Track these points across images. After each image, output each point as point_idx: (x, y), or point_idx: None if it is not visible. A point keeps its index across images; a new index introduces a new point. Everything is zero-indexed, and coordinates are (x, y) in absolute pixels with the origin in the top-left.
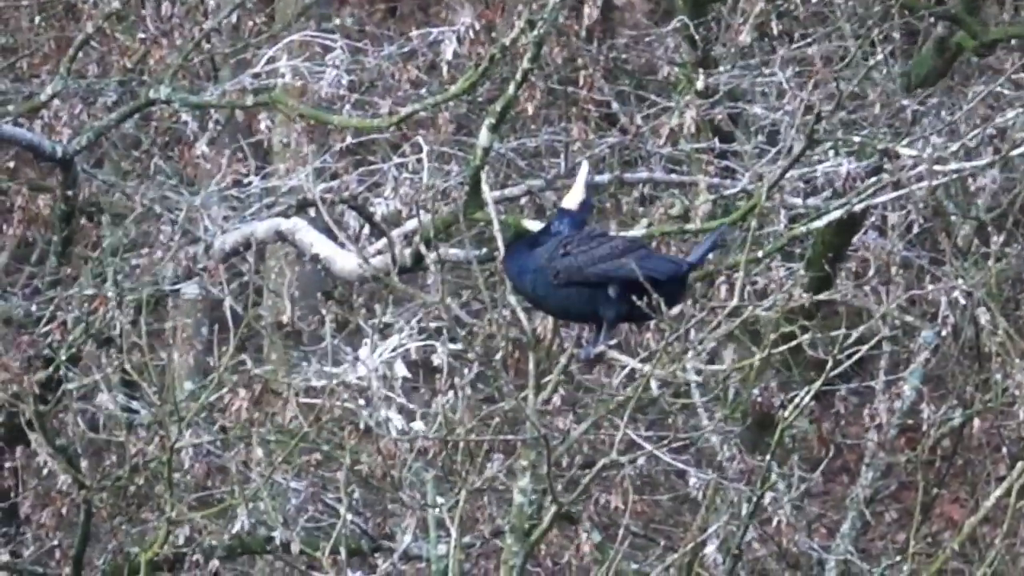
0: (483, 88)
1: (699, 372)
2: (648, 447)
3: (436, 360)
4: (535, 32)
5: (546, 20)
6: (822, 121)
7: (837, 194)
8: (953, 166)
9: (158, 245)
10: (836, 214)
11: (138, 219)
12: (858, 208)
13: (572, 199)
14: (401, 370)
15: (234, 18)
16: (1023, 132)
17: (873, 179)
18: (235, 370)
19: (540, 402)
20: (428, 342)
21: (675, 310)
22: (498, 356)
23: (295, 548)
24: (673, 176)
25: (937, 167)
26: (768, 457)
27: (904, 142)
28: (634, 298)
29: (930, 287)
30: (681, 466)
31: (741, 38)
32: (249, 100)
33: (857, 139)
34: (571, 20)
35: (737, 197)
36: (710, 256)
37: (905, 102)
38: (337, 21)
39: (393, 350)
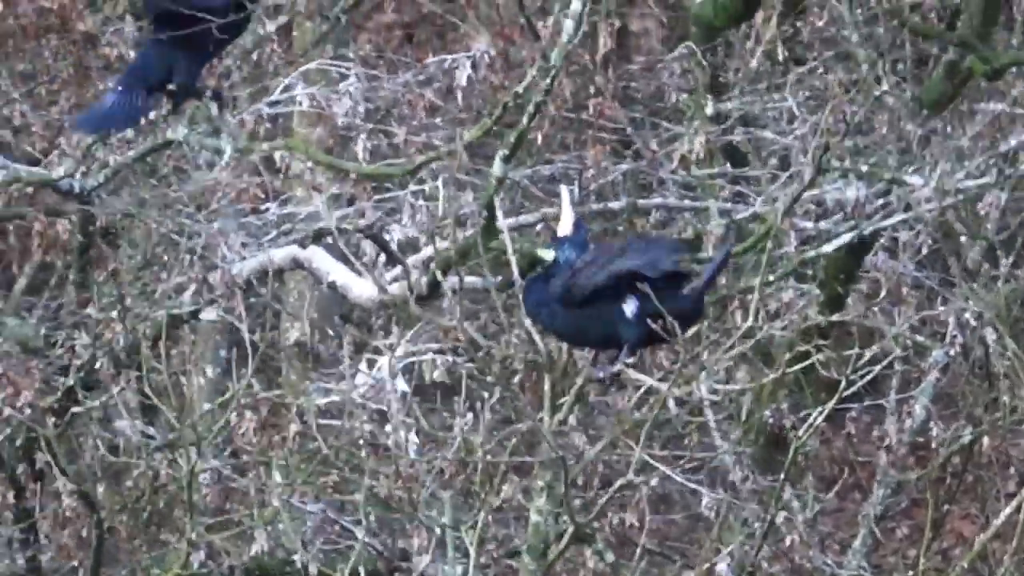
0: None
1: (714, 391)
2: (663, 468)
3: (435, 376)
4: (547, 80)
5: (556, 66)
6: (829, 151)
7: (847, 217)
8: (960, 184)
9: (176, 271)
10: (846, 238)
11: (155, 245)
12: (867, 232)
13: (565, 225)
14: (402, 385)
15: (249, 43)
16: None
17: (881, 201)
18: (248, 394)
19: (556, 423)
20: (436, 356)
21: (690, 332)
22: (516, 378)
23: (313, 570)
24: (686, 202)
25: (946, 188)
26: (782, 477)
27: (911, 169)
28: (649, 321)
29: (940, 308)
30: (695, 487)
31: (752, 64)
32: (265, 146)
33: (864, 168)
34: (585, 49)
35: (749, 221)
36: (719, 277)
37: (910, 127)
38: (355, 50)
39: (397, 362)
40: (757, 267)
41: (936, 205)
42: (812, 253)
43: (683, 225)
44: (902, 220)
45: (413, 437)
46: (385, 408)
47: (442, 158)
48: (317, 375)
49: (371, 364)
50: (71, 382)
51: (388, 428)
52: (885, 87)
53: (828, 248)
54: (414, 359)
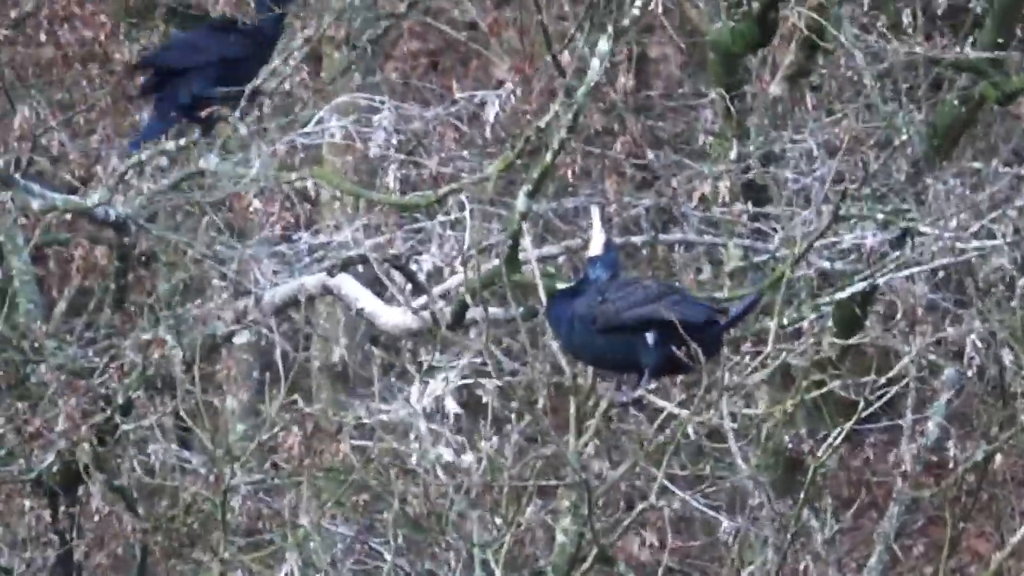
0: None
1: (734, 417)
2: (682, 494)
3: (482, 398)
4: (570, 115)
5: (580, 105)
6: (847, 198)
7: (862, 258)
8: (975, 244)
9: (209, 296)
10: (860, 286)
11: (191, 267)
12: (881, 281)
13: (595, 245)
14: (452, 406)
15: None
16: None
17: (896, 253)
18: (287, 409)
19: (580, 446)
20: (473, 379)
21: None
22: (540, 403)
23: None
24: (706, 238)
25: (960, 244)
26: (801, 496)
27: (926, 221)
28: (672, 348)
29: (951, 329)
30: (713, 514)
31: (771, 89)
32: (293, 175)
33: (881, 216)
34: (607, 87)
35: (768, 263)
36: (746, 317)
37: (928, 180)
38: (383, 80)
39: (443, 386)
40: (772, 310)
41: (950, 260)
42: (826, 299)
43: (700, 256)
44: (915, 271)
45: (447, 451)
46: (420, 429)
47: (464, 189)
48: (347, 398)
49: (425, 384)
50: (120, 400)
51: (421, 448)
52: (905, 136)
53: (842, 295)
54: (458, 381)
